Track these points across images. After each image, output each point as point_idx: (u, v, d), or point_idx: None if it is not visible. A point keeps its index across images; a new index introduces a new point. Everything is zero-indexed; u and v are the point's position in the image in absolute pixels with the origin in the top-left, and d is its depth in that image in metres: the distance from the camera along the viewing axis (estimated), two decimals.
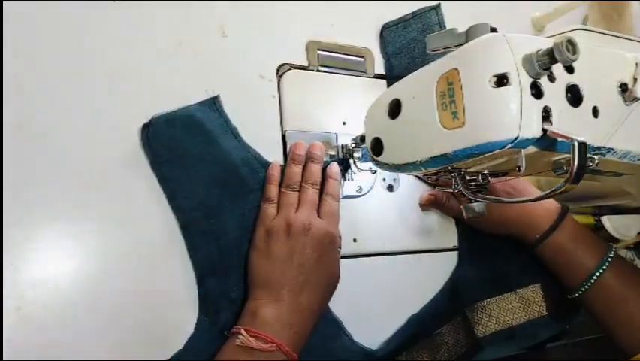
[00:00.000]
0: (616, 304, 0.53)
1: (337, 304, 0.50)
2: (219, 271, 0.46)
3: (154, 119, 0.45)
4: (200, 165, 0.46)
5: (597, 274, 0.52)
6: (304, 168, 0.51)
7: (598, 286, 0.53)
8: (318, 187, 0.50)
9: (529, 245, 0.56)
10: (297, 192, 0.49)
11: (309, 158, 0.51)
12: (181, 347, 0.43)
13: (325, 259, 0.46)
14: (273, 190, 0.49)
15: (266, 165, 0.50)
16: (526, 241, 0.56)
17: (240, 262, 0.47)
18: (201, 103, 0.48)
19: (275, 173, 0.50)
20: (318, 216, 0.48)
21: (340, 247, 0.49)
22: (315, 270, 0.45)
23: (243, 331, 0.40)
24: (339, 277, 0.48)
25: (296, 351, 0.42)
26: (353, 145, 0.54)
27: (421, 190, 0.60)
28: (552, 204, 0.56)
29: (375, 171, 0.56)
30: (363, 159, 0.54)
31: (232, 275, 0.46)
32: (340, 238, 0.49)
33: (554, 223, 0.54)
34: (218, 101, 0.49)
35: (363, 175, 0.56)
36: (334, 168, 0.52)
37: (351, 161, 0.54)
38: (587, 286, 0.53)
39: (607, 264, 0.53)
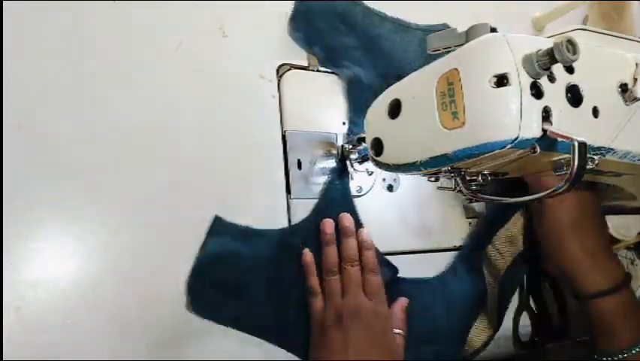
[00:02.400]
0: None
1: None
2: None
3: (188, 284, 0.44)
4: (251, 285, 0.47)
5: (636, 349, 0.49)
6: (339, 246, 0.50)
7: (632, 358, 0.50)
8: (358, 264, 0.49)
9: (587, 293, 0.51)
10: (339, 276, 0.49)
11: (342, 233, 0.50)
12: (180, 347, 0.43)
13: (381, 339, 0.46)
14: (313, 281, 0.48)
15: (294, 229, 0.50)
16: (584, 288, 0.51)
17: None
18: (208, 236, 0.46)
19: (309, 261, 0.49)
20: (365, 294, 0.48)
21: (403, 331, 0.49)
22: (373, 353, 0.45)
23: None
24: (401, 356, 0.47)
25: None
26: (350, 147, 0.54)
27: (421, 190, 0.60)
28: (620, 263, 0.53)
29: (372, 173, 0.56)
30: (360, 160, 0.54)
31: None
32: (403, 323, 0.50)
33: (623, 281, 0.51)
34: (218, 219, 0.47)
35: (363, 175, 0.56)
36: (365, 236, 0.51)
37: (348, 162, 0.54)
38: (622, 356, 0.50)
39: None
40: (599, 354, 0.52)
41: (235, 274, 0.46)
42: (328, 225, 0.50)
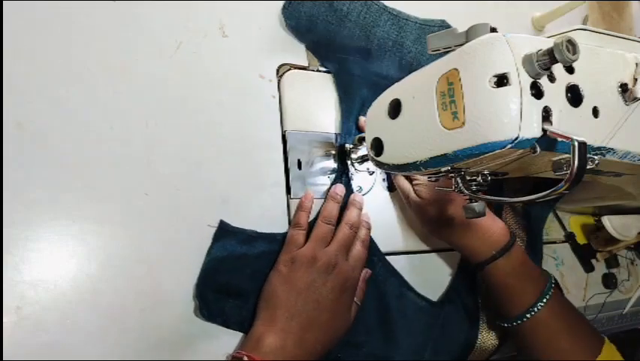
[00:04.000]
0: (548, 340, 0.50)
1: None
2: None
3: (197, 290, 0.44)
4: (255, 285, 0.46)
5: (536, 308, 0.50)
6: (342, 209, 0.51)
7: (534, 320, 0.50)
8: (356, 232, 0.50)
9: (478, 262, 0.52)
10: (332, 228, 0.49)
11: (351, 204, 0.52)
12: (180, 347, 0.43)
13: (341, 302, 0.46)
14: (303, 217, 0.49)
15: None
16: (476, 257, 0.52)
17: None
18: (214, 240, 0.46)
19: (307, 202, 0.50)
20: (346, 257, 0.48)
21: (360, 300, 0.49)
22: (329, 310, 0.45)
23: (246, 358, 0.40)
24: (350, 324, 0.47)
25: None
26: (350, 147, 0.54)
27: None
28: (504, 227, 0.53)
29: (373, 172, 0.56)
30: (361, 160, 0.54)
31: None
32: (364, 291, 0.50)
33: (507, 244, 0.51)
34: (224, 224, 0.47)
35: (363, 175, 0.56)
36: (367, 217, 0.53)
37: (348, 162, 0.54)
38: (524, 319, 0.50)
39: (547, 298, 0.50)
40: (503, 320, 0.53)
41: (242, 278, 0.46)
42: (341, 188, 0.52)
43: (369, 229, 0.52)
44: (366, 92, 0.57)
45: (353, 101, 0.56)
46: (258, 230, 0.48)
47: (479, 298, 0.59)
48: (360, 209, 0.52)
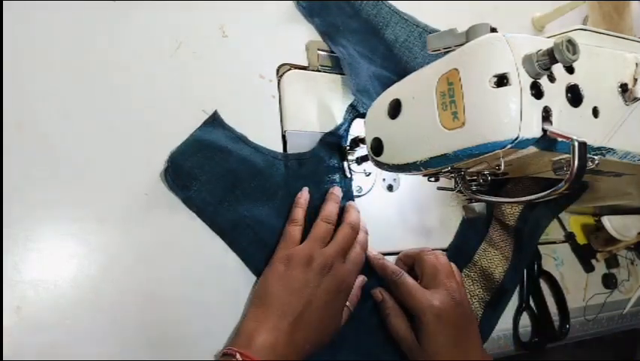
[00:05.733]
0: None
1: None
2: None
3: (170, 159, 0.45)
4: (227, 181, 0.47)
5: None
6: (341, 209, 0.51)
7: None
8: (356, 234, 0.50)
9: None
10: (331, 228, 0.49)
11: (350, 206, 0.52)
12: (180, 347, 0.43)
13: (334, 305, 0.46)
14: (299, 213, 0.49)
15: (283, 157, 0.51)
16: None
17: None
18: (204, 124, 0.47)
19: (303, 199, 0.50)
20: (344, 259, 0.48)
21: (352, 307, 0.49)
22: (321, 312, 0.44)
23: (238, 356, 0.39)
24: (340, 327, 0.47)
25: None
26: (347, 148, 0.54)
27: (421, 190, 0.60)
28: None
29: (370, 173, 0.56)
30: (359, 160, 0.54)
31: None
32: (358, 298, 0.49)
33: None
34: (218, 115, 0.48)
35: (363, 175, 0.56)
36: (364, 223, 0.52)
37: (345, 163, 0.54)
38: None
39: None
40: None
41: (216, 171, 0.46)
42: (337, 190, 0.52)
43: (367, 233, 0.52)
44: (373, 76, 0.57)
45: (362, 76, 0.56)
46: None
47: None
48: (359, 212, 0.52)
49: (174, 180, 0.45)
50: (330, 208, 0.50)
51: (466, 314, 0.50)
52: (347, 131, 0.55)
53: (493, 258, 0.59)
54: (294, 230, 0.48)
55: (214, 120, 0.48)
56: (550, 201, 0.57)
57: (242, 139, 0.49)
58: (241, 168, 0.48)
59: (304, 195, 0.50)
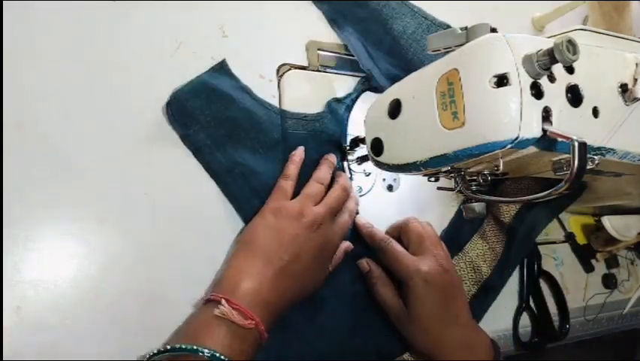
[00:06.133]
0: None
1: None
2: None
3: (173, 95, 0.46)
4: (227, 127, 0.48)
5: None
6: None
7: None
8: (349, 195, 0.50)
9: None
10: (323, 188, 0.49)
11: (340, 173, 0.52)
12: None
13: (318, 261, 0.46)
14: (292, 169, 0.49)
15: (284, 114, 0.52)
16: None
17: None
18: (212, 70, 0.49)
19: (297, 156, 0.50)
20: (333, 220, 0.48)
21: (332, 268, 0.49)
22: (306, 265, 0.44)
23: (224, 302, 0.39)
24: (320, 285, 0.47)
25: (267, 332, 0.40)
26: (347, 148, 0.54)
27: (421, 190, 0.60)
28: (489, 344, 0.50)
29: (369, 173, 0.56)
30: (358, 161, 0.54)
31: None
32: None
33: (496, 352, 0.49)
34: (226, 64, 0.50)
35: (363, 175, 0.56)
36: (357, 196, 0.53)
37: (345, 163, 0.54)
38: None
39: None
40: None
41: (220, 111, 0.48)
42: (332, 157, 0.52)
43: (357, 204, 0.52)
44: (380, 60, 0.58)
45: (370, 56, 0.57)
46: None
47: None
48: (350, 181, 0.52)
49: (175, 116, 0.46)
50: (324, 170, 0.50)
51: (453, 281, 0.50)
52: (354, 101, 0.56)
53: (483, 251, 0.59)
54: (286, 184, 0.48)
55: (221, 68, 0.49)
56: (548, 202, 0.57)
57: (246, 90, 0.50)
58: (242, 117, 0.49)
59: (299, 153, 0.50)
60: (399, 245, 0.51)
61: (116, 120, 0.45)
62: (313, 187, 0.48)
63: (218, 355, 0.36)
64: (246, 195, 0.48)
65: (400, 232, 0.53)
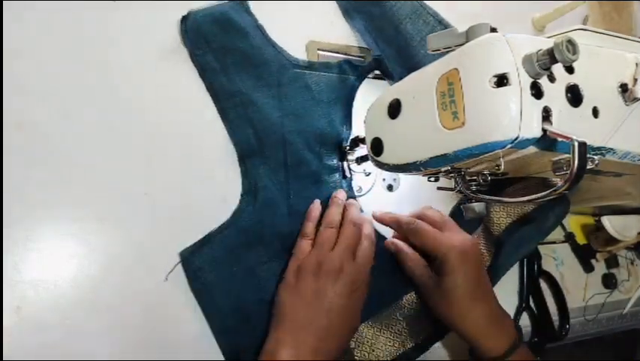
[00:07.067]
0: None
1: None
2: (257, 153, 0.49)
3: (192, 13, 0.48)
4: (235, 57, 0.50)
5: None
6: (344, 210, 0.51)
7: None
8: (358, 229, 0.50)
9: (493, 357, 0.49)
10: (335, 231, 0.49)
11: (349, 204, 0.52)
12: (180, 347, 0.43)
13: (351, 305, 0.46)
14: (310, 227, 0.49)
15: (294, 60, 0.54)
16: (490, 353, 0.48)
17: (276, 145, 0.50)
18: (232, 2, 0.51)
19: (314, 212, 0.50)
20: (353, 257, 0.48)
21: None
22: (340, 316, 0.44)
23: None
24: (360, 323, 0.48)
25: None
26: (347, 148, 0.54)
27: (421, 190, 0.60)
28: (512, 322, 0.52)
29: (369, 173, 0.56)
30: (358, 161, 0.54)
31: (270, 157, 0.50)
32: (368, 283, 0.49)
33: (518, 340, 0.49)
34: (247, 1, 0.52)
35: (363, 175, 0.56)
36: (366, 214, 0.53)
37: (344, 163, 0.54)
38: None
39: None
40: None
41: (231, 41, 0.50)
42: (341, 192, 0.52)
43: (371, 223, 0.52)
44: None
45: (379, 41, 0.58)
46: None
47: None
48: (358, 207, 0.52)
49: (188, 33, 0.48)
50: (332, 213, 0.50)
51: (482, 258, 0.51)
52: (363, 74, 0.57)
53: None
54: (305, 243, 0.48)
55: (241, 4, 0.52)
56: (540, 221, 0.58)
57: (261, 29, 0.52)
58: (252, 52, 0.51)
59: (315, 209, 0.50)
60: (427, 224, 0.51)
61: (116, 120, 0.45)
62: (325, 233, 0.48)
63: None
64: (242, 123, 0.49)
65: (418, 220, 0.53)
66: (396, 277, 0.53)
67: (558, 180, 0.39)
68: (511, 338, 0.49)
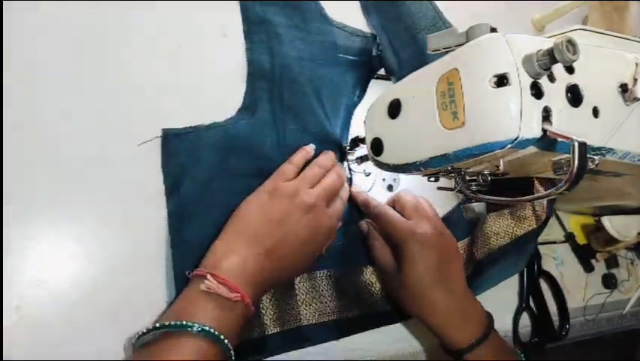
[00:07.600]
0: None
1: None
2: (267, 79, 0.51)
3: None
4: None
5: None
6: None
7: None
8: (343, 184, 0.50)
9: (454, 350, 0.48)
10: (323, 173, 0.49)
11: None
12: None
13: (308, 245, 0.45)
14: (299, 158, 0.49)
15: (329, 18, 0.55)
16: (456, 343, 0.47)
17: (287, 82, 0.51)
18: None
19: (307, 150, 0.50)
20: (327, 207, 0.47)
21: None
22: (294, 248, 0.44)
23: (209, 276, 0.38)
24: (308, 270, 0.48)
25: (254, 306, 0.40)
26: (347, 148, 0.54)
27: (421, 190, 0.59)
28: (482, 310, 0.50)
29: (369, 173, 0.56)
30: (359, 160, 0.54)
31: (275, 91, 0.50)
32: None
33: (487, 330, 0.48)
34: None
35: (363, 175, 0.56)
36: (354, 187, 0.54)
37: (345, 163, 0.54)
38: None
39: None
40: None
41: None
42: (331, 154, 0.52)
43: (348, 193, 0.52)
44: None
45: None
46: None
47: None
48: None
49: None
50: (326, 158, 0.50)
51: (448, 245, 0.50)
52: (378, 53, 0.57)
53: None
54: (289, 168, 0.48)
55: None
56: (517, 257, 0.58)
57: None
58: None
59: (309, 149, 0.50)
60: (393, 210, 0.51)
61: (116, 120, 0.45)
62: (312, 170, 0.48)
63: (207, 328, 0.36)
64: (261, 48, 0.51)
65: (394, 204, 0.53)
66: (359, 252, 0.53)
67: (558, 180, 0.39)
68: (478, 330, 0.47)
